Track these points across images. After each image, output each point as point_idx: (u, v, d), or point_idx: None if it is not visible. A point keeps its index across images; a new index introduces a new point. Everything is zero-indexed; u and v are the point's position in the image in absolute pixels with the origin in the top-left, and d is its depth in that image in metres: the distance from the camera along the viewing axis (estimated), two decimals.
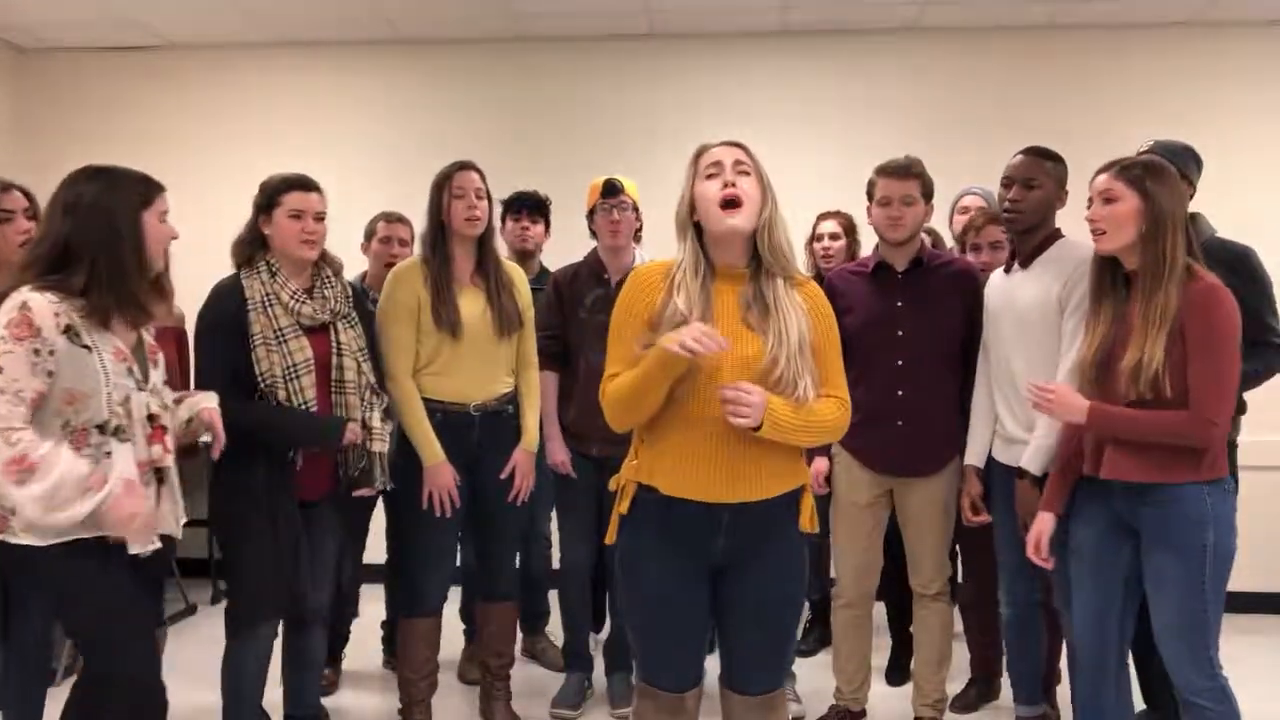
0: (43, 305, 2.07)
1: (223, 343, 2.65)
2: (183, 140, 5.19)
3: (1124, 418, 2.32)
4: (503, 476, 3.08)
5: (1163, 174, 2.37)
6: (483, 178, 3.04)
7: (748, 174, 2.10)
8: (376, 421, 2.80)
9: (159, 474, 2.27)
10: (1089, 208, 2.43)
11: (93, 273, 2.13)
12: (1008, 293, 2.87)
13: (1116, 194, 2.37)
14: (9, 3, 4.66)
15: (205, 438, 2.46)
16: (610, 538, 2.22)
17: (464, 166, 3.03)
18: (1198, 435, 2.28)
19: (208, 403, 2.44)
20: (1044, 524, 2.56)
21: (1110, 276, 2.45)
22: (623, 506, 2.17)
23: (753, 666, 2.20)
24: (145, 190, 2.24)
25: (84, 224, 2.16)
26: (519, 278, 3.17)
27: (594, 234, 3.42)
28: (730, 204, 2.07)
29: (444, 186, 3.00)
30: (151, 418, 2.23)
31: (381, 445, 2.81)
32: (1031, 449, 2.73)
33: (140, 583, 2.25)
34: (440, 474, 2.96)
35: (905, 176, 2.98)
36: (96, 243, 2.15)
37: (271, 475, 2.65)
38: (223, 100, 5.22)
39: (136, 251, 2.19)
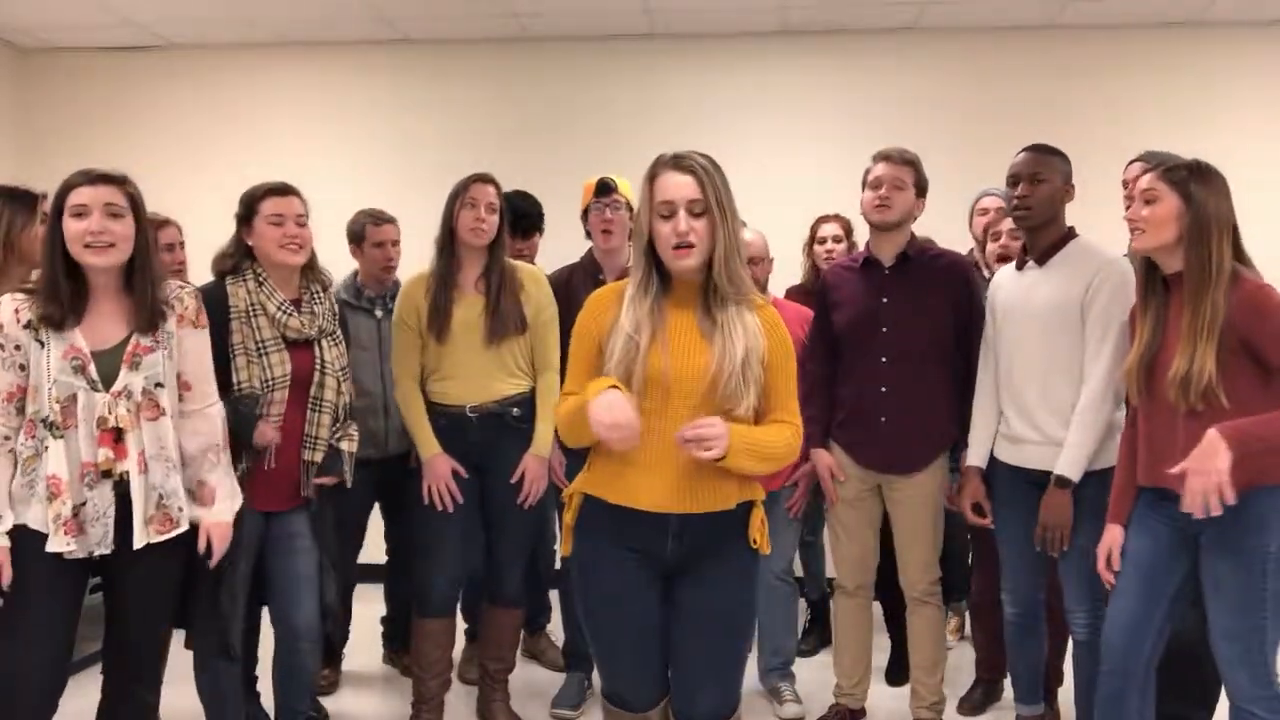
0: (5, 303, 2.22)
1: None
2: (183, 140, 5.19)
3: (1259, 432, 2.18)
4: (513, 481, 3.09)
5: (1208, 177, 2.33)
6: (498, 191, 3.06)
7: (702, 213, 2.05)
8: (350, 429, 2.82)
9: (108, 477, 2.21)
10: (1127, 206, 2.38)
11: (40, 276, 2.25)
12: (1021, 291, 2.81)
13: (1157, 194, 2.33)
14: (9, 3, 4.65)
15: None
16: (565, 549, 2.22)
17: (481, 179, 3.04)
18: None
19: (220, 518, 2.38)
20: (1115, 536, 2.48)
21: (1153, 278, 2.40)
22: (569, 518, 2.19)
23: (702, 680, 2.14)
24: (62, 189, 2.24)
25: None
26: (531, 280, 3.13)
27: (589, 234, 3.43)
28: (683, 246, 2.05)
29: (459, 196, 3.02)
30: (100, 420, 2.20)
31: (350, 445, 2.79)
32: (1070, 456, 2.66)
33: (58, 585, 2.20)
34: (437, 466, 2.98)
35: (899, 162, 2.99)
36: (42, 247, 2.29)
37: None
38: (223, 100, 5.22)
39: (54, 255, 2.23)
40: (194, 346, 2.39)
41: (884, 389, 2.99)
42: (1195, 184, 2.31)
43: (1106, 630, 2.49)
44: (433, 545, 3.06)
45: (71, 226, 2.21)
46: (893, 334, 2.98)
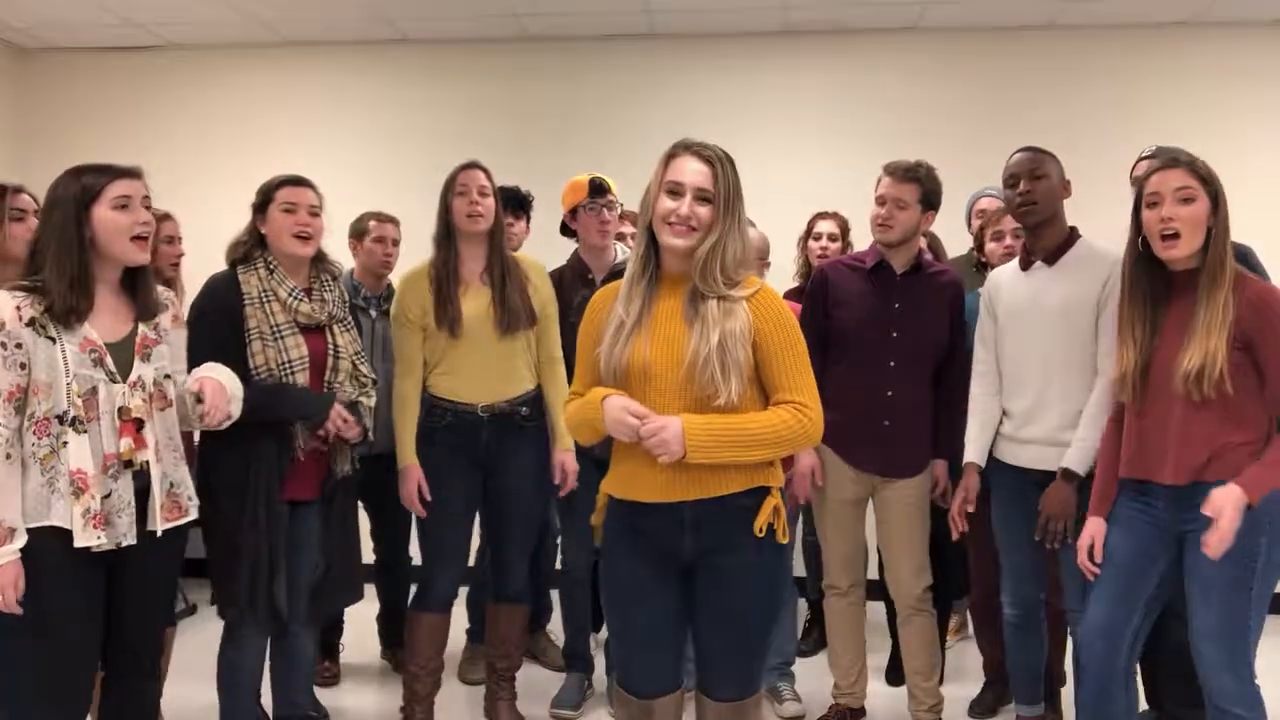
0: (4, 300, 2.16)
1: (213, 330, 2.63)
2: (183, 140, 5.19)
3: (1267, 468, 2.23)
4: (556, 481, 3.12)
5: (1214, 173, 2.33)
6: (489, 176, 3.06)
7: (708, 201, 2.08)
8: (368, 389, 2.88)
9: (130, 467, 2.24)
10: (1154, 205, 2.32)
11: (50, 270, 2.20)
12: (1031, 291, 2.80)
13: (1193, 193, 2.29)
14: (9, 3, 4.65)
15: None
16: (598, 538, 2.28)
17: (470, 166, 3.05)
18: None
19: (207, 373, 2.42)
20: (1096, 529, 2.49)
21: (1151, 277, 2.38)
22: (597, 518, 2.25)
23: (720, 668, 2.19)
24: (92, 182, 2.23)
25: (42, 223, 2.27)
26: (537, 274, 3.16)
27: (566, 232, 3.44)
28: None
29: (450, 186, 3.04)
30: (122, 410, 2.23)
31: (368, 400, 2.84)
32: (1078, 450, 2.68)
33: (86, 581, 2.21)
34: (410, 477, 2.99)
35: (903, 179, 2.98)
36: (45, 241, 2.22)
37: (260, 476, 2.61)
38: (223, 100, 5.22)
39: (74, 247, 2.19)
40: (181, 347, 2.46)
41: (890, 393, 3.00)
42: (1216, 181, 2.31)
43: (1085, 632, 2.49)
44: (441, 543, 3.07)
45: (118, 219, 2.23)
46: (903, 339, 2.99)
